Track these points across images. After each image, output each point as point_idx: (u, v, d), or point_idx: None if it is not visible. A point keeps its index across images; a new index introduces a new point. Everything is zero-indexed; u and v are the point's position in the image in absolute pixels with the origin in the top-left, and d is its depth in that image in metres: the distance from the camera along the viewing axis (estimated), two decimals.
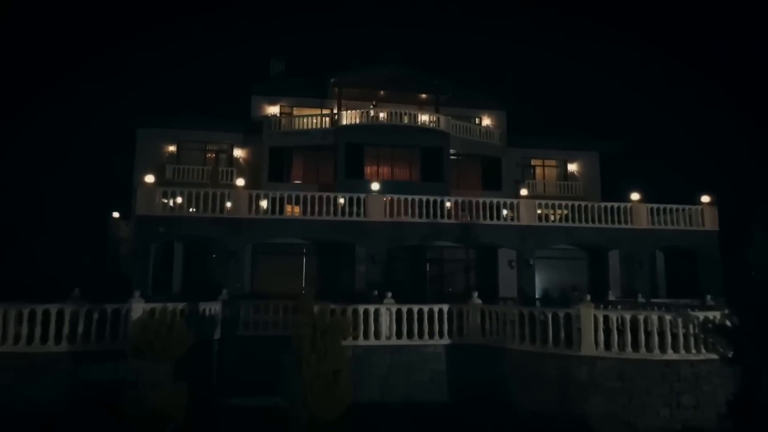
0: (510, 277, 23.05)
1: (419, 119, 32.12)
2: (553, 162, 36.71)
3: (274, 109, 34.30)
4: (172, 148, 32.91)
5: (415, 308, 15.35)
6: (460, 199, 22.14)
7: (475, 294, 15.61)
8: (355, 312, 15.02)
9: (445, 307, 15.48)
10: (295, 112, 34.63)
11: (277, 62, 36.75)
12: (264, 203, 30.75)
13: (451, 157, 32.39)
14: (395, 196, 21.87)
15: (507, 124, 36.26)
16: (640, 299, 20.13)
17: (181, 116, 33.79)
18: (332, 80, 33.00)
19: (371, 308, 15.16)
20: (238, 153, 33.61)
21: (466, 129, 33.32)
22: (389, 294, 15.73)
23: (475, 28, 69.31)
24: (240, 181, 21.46)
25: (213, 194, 20.77)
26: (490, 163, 33.99)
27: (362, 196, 21.57)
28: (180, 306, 14.87)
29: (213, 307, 16.36)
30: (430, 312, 15.39)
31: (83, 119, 41.66)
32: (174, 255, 21.91)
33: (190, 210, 21.07)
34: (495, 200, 22.55)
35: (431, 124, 32.26)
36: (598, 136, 38.36)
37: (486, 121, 36.25)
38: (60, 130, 44.42)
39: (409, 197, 21.87)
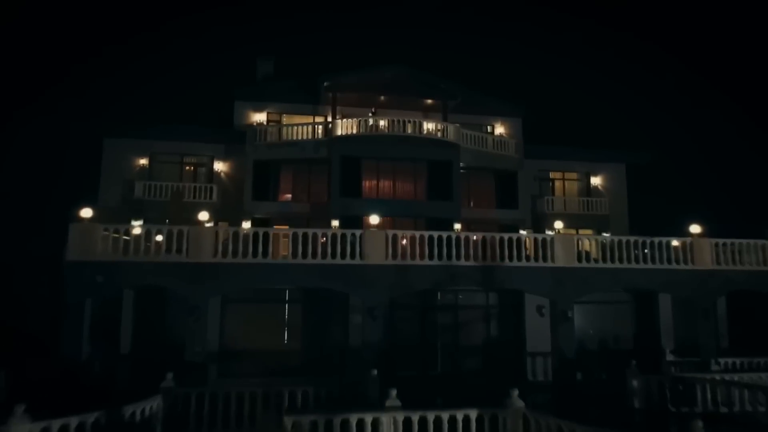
0: (540, 326, 18.09)
1: (425, 128, 27.15)
2: (574, 175, 31.69)
3: (260, 117, 29.27)
4: (143, 161, 27.92)
5: (430, 416, 10.39)
6: (480, 236, 17.12)
7: (515, 393, 10.65)
8: (346, 424, 10.07)
9: (473, 414, 10.52)
10: (285, 120, 29.64)
11: (265, 63, 31.67)
12: (246, 225, 25.82)
13: (461, 170, 27.45)
14: (400, 233, 16.89)
15: (522, 132, 31.30)
16: (714, 367, 15.18)
17: (154, 124, 28.76)
18: (326, 84, 27.98)
19: (368, 418, 10.19)
20: (219, 166, 28.61)
21: (477, 139, 28.33)
22: (393, 392, 10.77)
23: (483, 30, 63.18)
24: (203, 215, 16.47)
25: (168, 232, 15.78)
26: (505, 177, 29.01)
27: (358, 232, 16.58)
28: (91, 417, 9.93)
29: (148, 407, 11.38)
30: (452, 420, 10.44)
31: (50, 131, 36.09)
32: (123, 305, 16.95)
33: (149, 244, 16.12)
34: (524, 236, 17.56)
35: (438, 134, 27.29)
36: (624, 146, 33.40)
37: (499, 130, 31.21)
38: (22, 144, 39.25)
39: (417, 234, 16.88)
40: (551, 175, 31.52)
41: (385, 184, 27.33)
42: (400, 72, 28.86)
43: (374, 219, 16.96)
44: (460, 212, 26.87)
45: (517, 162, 29.01)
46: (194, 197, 26.91)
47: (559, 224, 17.49)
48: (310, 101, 29.31)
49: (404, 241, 17.17)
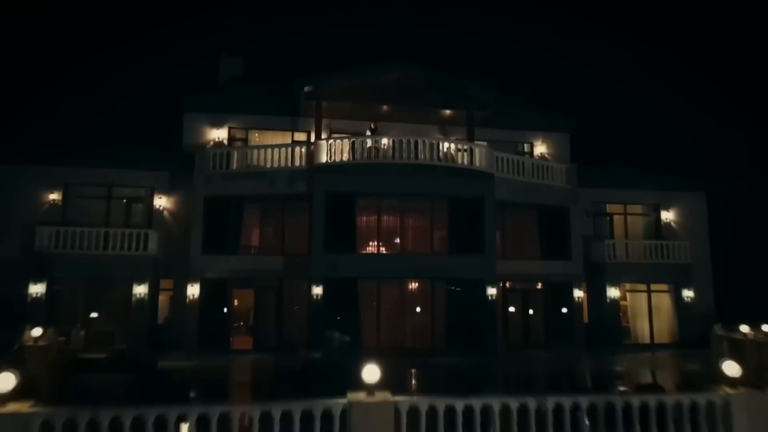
0: None
1: (443, 148, 18.12)
2: (638, 208, 22.59)
3: (219, 134, 20.23)
4: (54, 197, 18.90)
5: None
6: (568, 402, 8.04)
7: None
8: None
9: None
10: (258, 138, 20.68)
11: (230, 62, 22.63)
12: (193, 289, 17.14)
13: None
14: (425, 403, 7.79)
15: (570, 153, 22.26)
16: None
17: (68, 145, 19.71)
18: (306, 89, 18.87)
19: None
20: (162, 203, 19.54)
21: (516, 165, 19.22)
22: None
23: (488, 32, 52.11)
24: (5, 381, 7.45)
25: None
26: (553, 215, 19.87)
27: (338, 407, 7.51)
28: None
29: None
30: None
31: None
32: None
33: None
34: (671, 398, 8.42)
35: (464, 157, 18.24)
36: (700, 172, 24.26)
37: (540, 149, 22.17)
38: None
39: (459, 405, 7.76)
40: (608, 208, 22.42)
41: (390, 232, 18.24)
42: (409, 73, 19.80)
43: (371, 373, 7.77)
44: (495, 270, 17.88)
45: (569, 194, 19.90)
46: (122, 248, 17.91)
47: (731, 368, 8.34)
48: (287, 113, 20.32)
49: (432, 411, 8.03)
